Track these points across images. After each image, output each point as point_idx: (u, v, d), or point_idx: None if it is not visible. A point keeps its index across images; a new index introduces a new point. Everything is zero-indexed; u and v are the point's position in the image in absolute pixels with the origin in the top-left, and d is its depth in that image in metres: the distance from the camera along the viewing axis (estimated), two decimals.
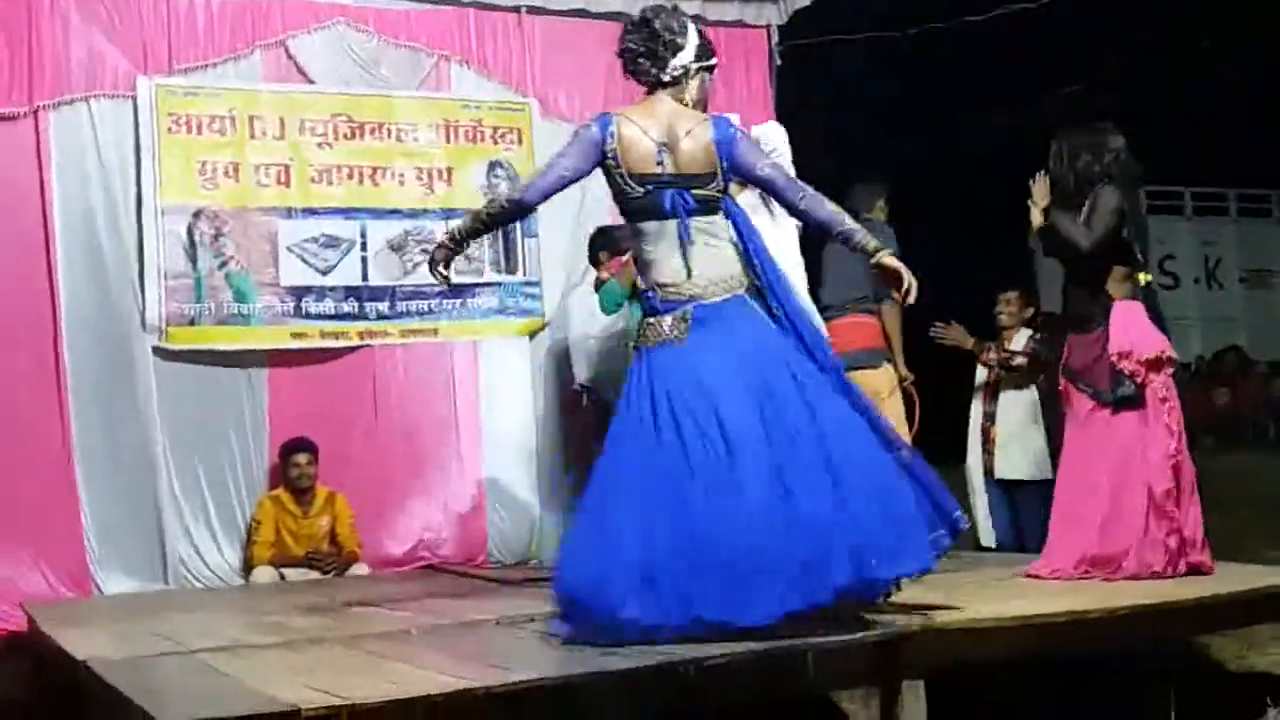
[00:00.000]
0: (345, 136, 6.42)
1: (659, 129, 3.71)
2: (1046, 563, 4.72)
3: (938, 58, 8.69)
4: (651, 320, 3.73)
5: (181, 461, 6.02)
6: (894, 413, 5.65)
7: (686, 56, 3.76)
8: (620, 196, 3.77)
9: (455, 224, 3.98)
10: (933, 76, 9.31)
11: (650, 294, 3.74)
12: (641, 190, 3.70)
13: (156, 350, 6.00)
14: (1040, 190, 4.75)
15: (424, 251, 6.47)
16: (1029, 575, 4.72)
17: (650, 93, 3.81)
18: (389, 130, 6.52)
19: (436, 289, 6.48)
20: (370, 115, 6.48)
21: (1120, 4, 8.22)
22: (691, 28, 3.81)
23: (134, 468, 5.94)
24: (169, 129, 6.05)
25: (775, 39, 7.51)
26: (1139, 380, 4.59)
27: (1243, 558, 4.89)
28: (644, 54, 3.77)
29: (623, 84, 7.08)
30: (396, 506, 6.44)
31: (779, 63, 7.50)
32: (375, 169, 6.46)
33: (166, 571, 5.93)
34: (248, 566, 6.02)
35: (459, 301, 6.54)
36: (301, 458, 6.04)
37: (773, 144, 4.60)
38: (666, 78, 3.76)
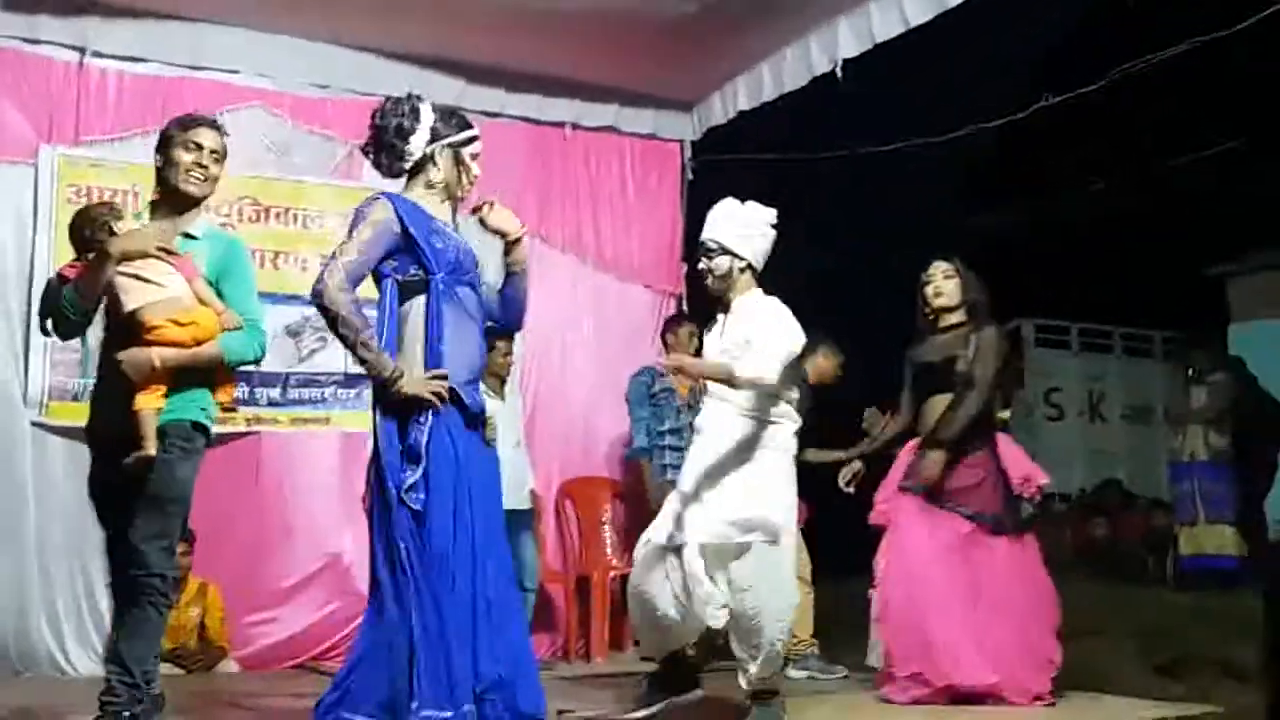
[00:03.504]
0: (250, 219, 6.36)
1: None
2: (904, 688, 4.71)
3: (843, 183, 8.97)
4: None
5: (54, 543, 5.79)
6: None
7: (420, 139, 3.60)
8: None
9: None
10: (838, 200, 9.60)
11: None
12: None
13: (36, 425, 5.81)
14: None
15: (321, 339, 6.43)
16: (885, 700, 4.75)
17: (409, 183, 3.69)
18: (295, 215, 6.49)
19: (331, 377, 6.39)
20: (277, 200, 6.44)
21: (1018, 141, 8.58)
22: (424, 109, 3.64)
23: (7, 547, 5.71)
24: (69, 199, 5.92)
25: (688, 154, 7.68)
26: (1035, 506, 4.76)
27: (1117, 689, 4.95)
28: (375, 148, 3.65)
29: (539, 183, 7.28)
30: (272, 602, 6.25)
31: (690, 177, 7.66)
32: (277, 253, 6.39)
33: (32, 660, 5.68)
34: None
35: (352, 391, 6.45)
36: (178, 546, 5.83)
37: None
38: (407, 165, 3.64)
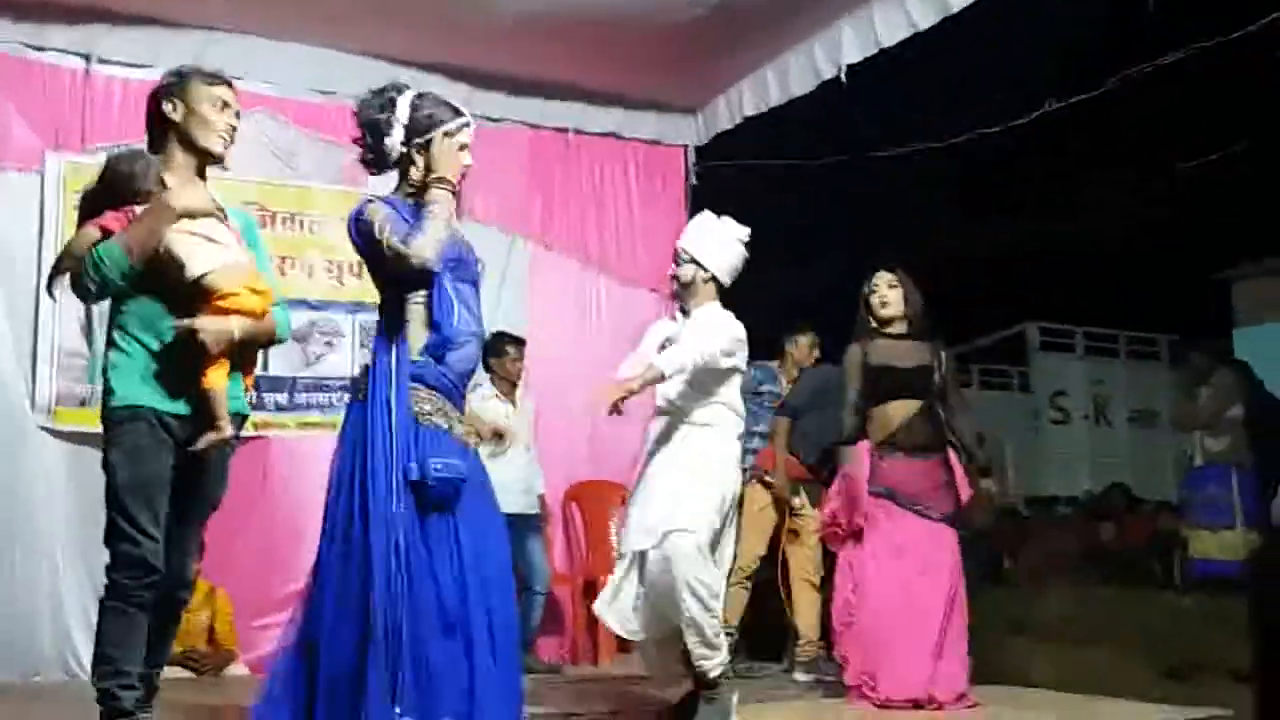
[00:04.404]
0: (257, 225, 6.35)
1: None
2: (881, 688, 4.70)
3: (846, 188, 8.99)
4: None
5: (65, 548, 5.79)
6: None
7: (395, 139, 3.29)
8: None
9: None
10: (841, 205, 9.61)
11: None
12: None
13: (44, 430, 5.83)
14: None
15: (328, 344, 6.45)
16: (858, 697, 4.76)
17: (399, 184, 3.36)
18: (301, 221, 6.50)
19: (339, 382, 6.40)
20: (284, 205, 6.46)
21: (1024, 146, 8.59)
22: (402, 102, 3.30)
23: (14, 551, 5.72)
24: (75, 207, 5.90)
25: (692, 159, 7.68)
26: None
27: (1127, 693, 4.95)
28: (361, 144, 3.34)
29: (543, 188, 7.29)
30: (280, 605, 6.24)
31: (694, 182, 7.66)
32: (284, 258, 6.40)
33: (42, 663, 5.69)
34: None
35: None
36: None
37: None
38: (388, 163, 3.33)
